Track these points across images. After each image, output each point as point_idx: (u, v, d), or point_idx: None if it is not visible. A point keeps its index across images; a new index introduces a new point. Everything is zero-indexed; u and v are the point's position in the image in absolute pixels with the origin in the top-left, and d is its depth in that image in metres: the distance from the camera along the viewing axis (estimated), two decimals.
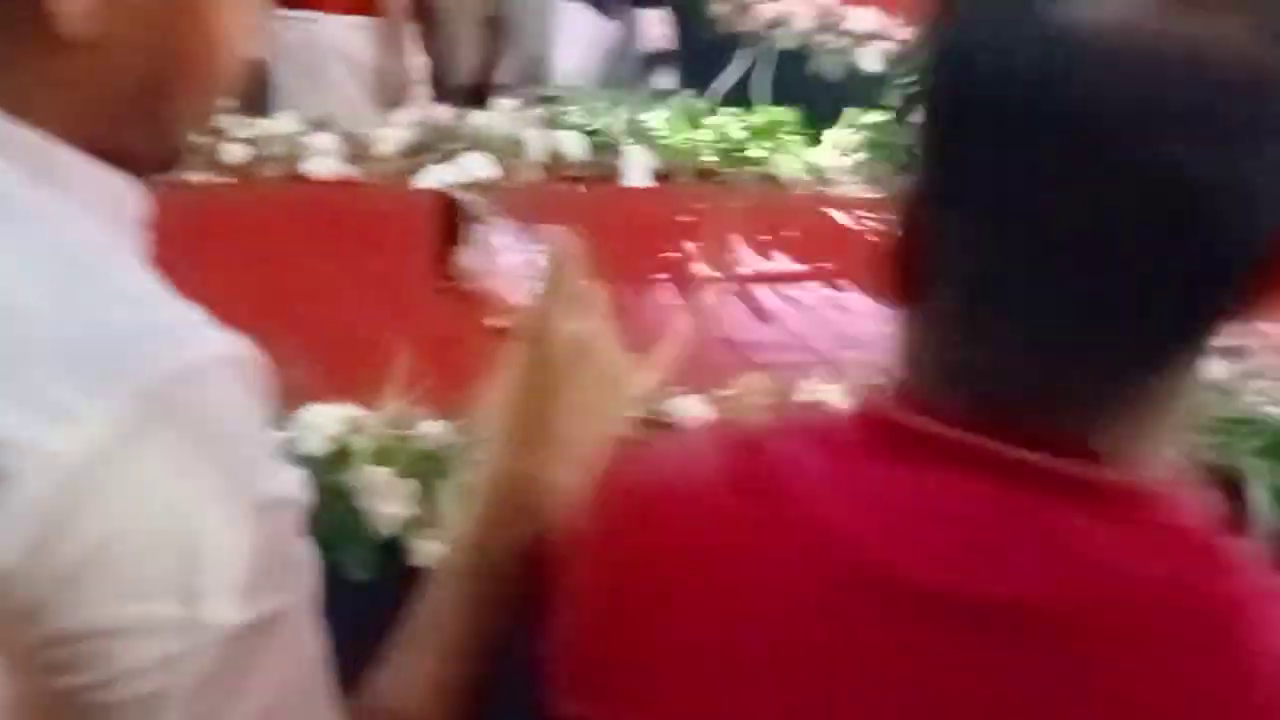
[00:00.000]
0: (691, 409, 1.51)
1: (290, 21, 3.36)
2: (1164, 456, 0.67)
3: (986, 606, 0.63)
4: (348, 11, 3.33)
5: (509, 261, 0.89)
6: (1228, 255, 0.62)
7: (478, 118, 2.54)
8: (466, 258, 0.90)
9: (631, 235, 2.21)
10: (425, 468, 1.38)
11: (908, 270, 0.67)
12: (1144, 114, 0.59)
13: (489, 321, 0.90)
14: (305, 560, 0.71)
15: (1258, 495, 1.54)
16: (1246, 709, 0.61)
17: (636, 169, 2.45)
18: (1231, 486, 1.54)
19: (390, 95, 3.22)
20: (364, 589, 1.26)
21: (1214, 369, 1.65)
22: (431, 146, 2.44)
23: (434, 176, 2.22)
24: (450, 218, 0.90)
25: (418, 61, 3.44)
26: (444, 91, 3.39)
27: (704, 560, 0.69)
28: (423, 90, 3.41)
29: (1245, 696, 0.61)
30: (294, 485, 0.70)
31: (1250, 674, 0.62)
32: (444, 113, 2.57)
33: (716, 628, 0.68)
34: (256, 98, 2.97)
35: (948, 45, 0.65)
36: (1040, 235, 0.62)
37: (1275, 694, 0.61)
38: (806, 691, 0.65)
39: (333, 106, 2.91)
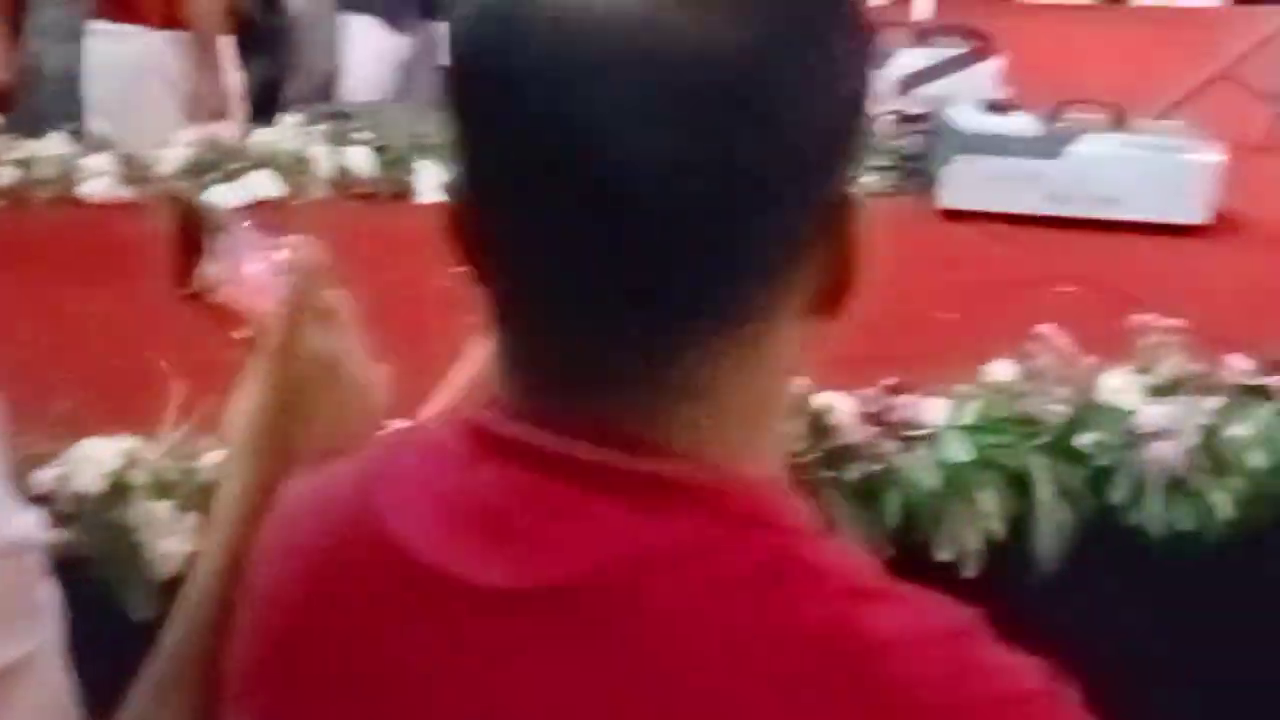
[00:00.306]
0: None
1: (107, 35, 3.23)
2: (754, 451, 0.66)
3: (526, 595, 0.63)
4: (165, 26, 3.21)
5: (254, 270, 0.86)
6: (724, 238, 0.60)
7: (263, 135, 2.48)
8: (211, 267, 0.86)
9: (421, 252, 2.17)
10: (208, 501, 1.32)
11: (468, 260, 0.66)
12: (612, 101, 0.58)
13: (236, 334, 0.86)
14: (48, 604, 0.67)
15: (1043, 493, 1.58)
16: (786, 677, 0.60)
17: (429, 185, 2.42)
18: (1018, 484, 1.58)
19: (205, 112, 3.10)
20: (147, 629, 1.20)
21: (999, 371, 1.70)
22: (214, 166, 2.37)
23: (217, 197, 2.16)
24: (192, 225, 0.86)
25: (235, 77, 3.33)
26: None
27: (317, 575, 0.70)
28: (241, 107, 3.30)
29: (786, 665, 0.60)
30: (31, 527, 0.66)
31: (778, 637, 0.60)
32: (228, 131, 2.50)
33: (327, 641, 0.69)
34: (70, 115, 2.85)
35: (453, 28, 0.64)
36: (538, 223, 0.61)
37: (813, 661, 0.60)
38: (392, 697, 0.66)
39: (149, 124, 2.80)
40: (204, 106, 3.13)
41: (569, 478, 0.63)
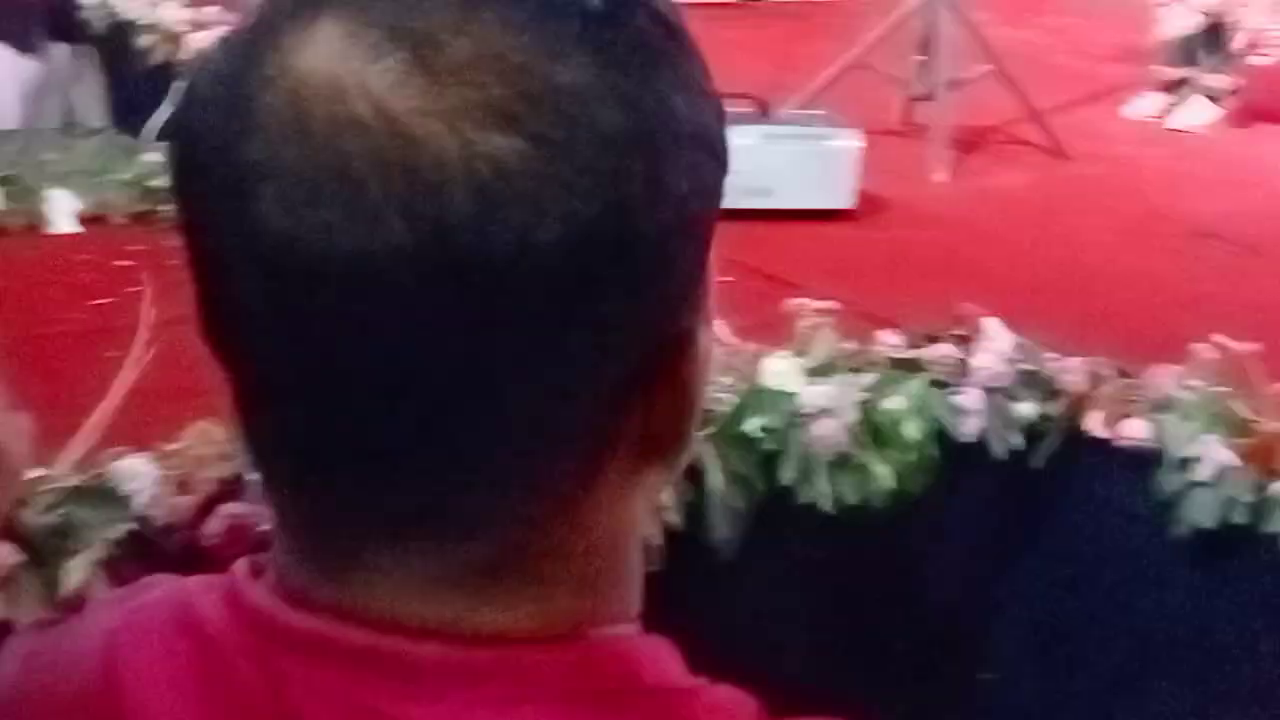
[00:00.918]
0: (137, 469, 1.40)
1: None
2: (610, 607, 0.55)
3: None
4: None
5: None
6: (491, 400, 0.49)
7: None
8: None
9: (58, 286, 2.06)
10: None
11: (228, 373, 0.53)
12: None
13: None
14: None
15: (715, 480, 1.60)
16: None
17: (61, 215, 2.28)
18: (691, 474, 1.59)
19: None
20: None
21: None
22: None
23: None
24: None
25: None
26: None
27: None
28: None
29: None
30: None
31: None
32: None
33: None
34: None
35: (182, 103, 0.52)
36: (278, 356, 0.49)
37: None
38: None
39: None
40: None
41: (391, 679, 0.51)
